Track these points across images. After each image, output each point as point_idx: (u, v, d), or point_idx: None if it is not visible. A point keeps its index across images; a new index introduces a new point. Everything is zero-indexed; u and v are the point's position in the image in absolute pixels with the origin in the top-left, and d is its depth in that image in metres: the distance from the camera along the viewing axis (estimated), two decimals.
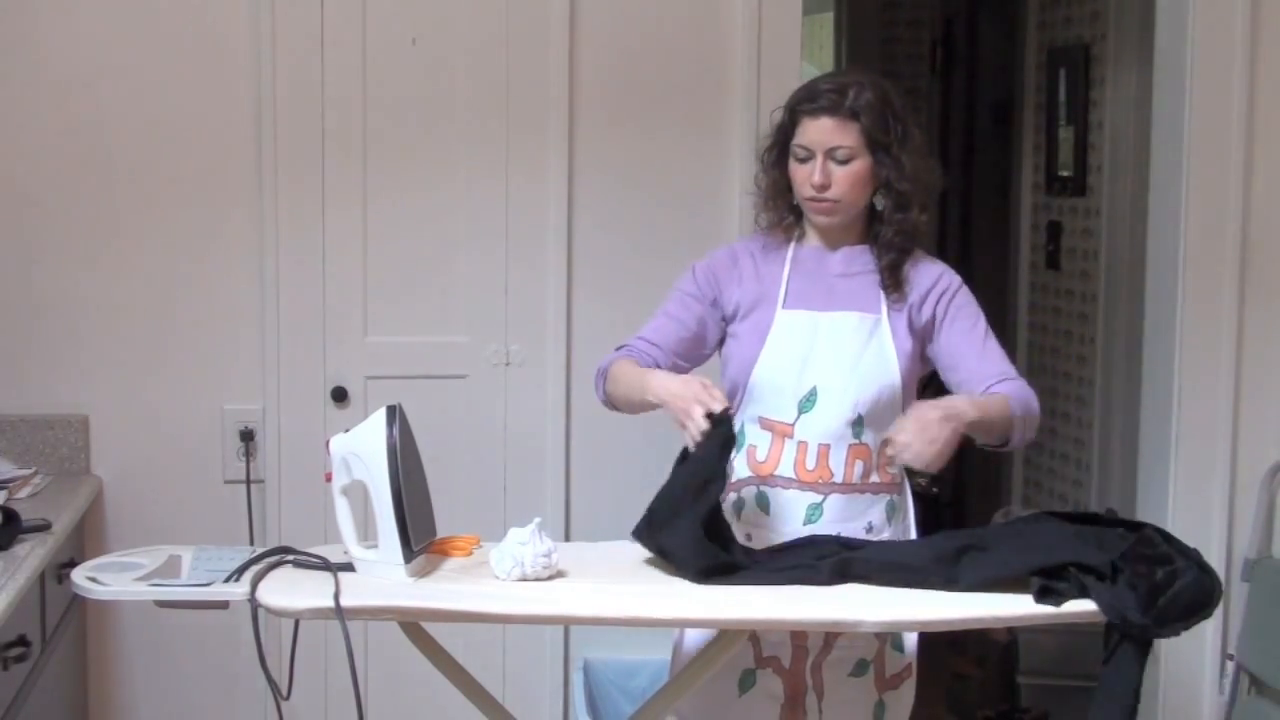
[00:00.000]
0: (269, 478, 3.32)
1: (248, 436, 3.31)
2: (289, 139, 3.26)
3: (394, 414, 2.39)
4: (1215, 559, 3.38)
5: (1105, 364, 4.56)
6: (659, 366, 2.66)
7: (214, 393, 3.31)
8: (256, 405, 3.32)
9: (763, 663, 2.65)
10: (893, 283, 2.66)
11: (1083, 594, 2.26)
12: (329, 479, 2.44)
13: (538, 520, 2.41)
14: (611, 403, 2.69)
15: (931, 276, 2.68)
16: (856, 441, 2.62)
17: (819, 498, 2.61)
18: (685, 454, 2.49)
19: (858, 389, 2.60)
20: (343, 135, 3.29)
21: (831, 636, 2.62)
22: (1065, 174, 4.80)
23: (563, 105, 3.34)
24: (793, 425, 2.62)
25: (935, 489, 5.66)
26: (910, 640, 2.70)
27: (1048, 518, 2.53)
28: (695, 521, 2.40)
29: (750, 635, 2.64)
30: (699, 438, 2.43)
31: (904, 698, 2.73)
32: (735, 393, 2.66)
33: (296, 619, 2.33)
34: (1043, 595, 2.26)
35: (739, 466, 2.66)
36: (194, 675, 3.35)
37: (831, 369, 2.61)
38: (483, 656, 3.19)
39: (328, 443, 2.45)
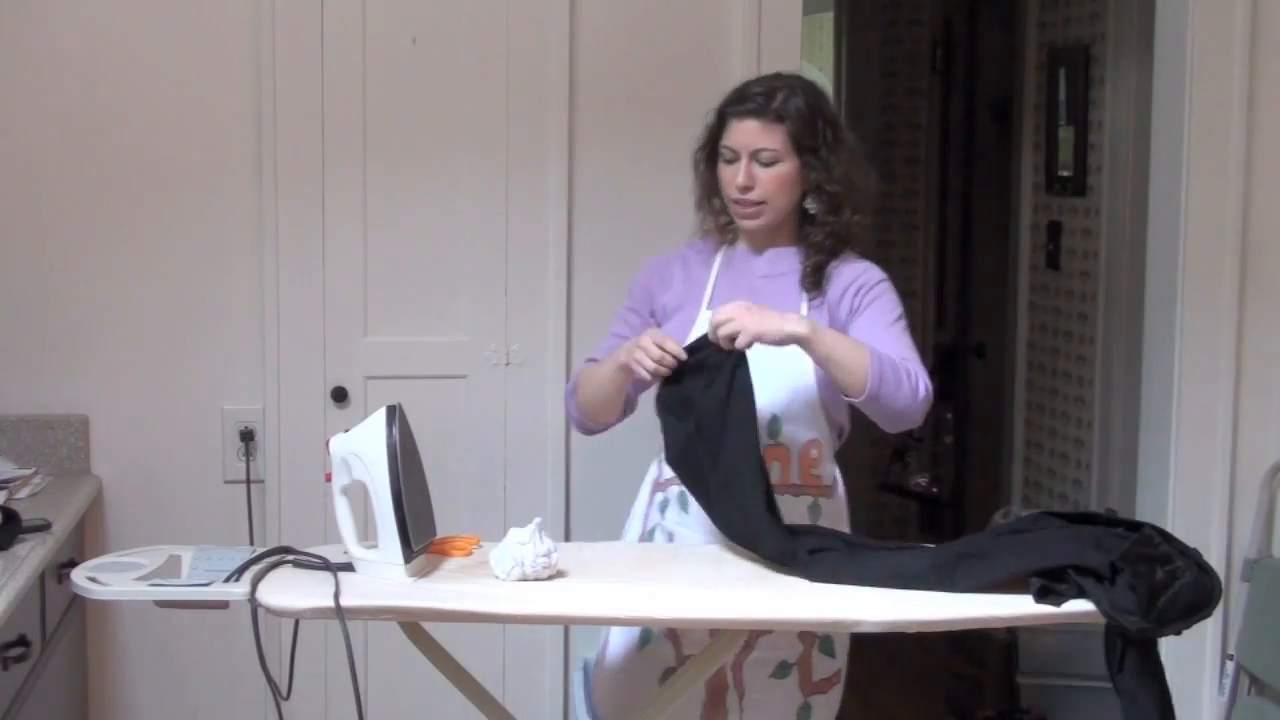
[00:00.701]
0: (269, 478, 3.32)
1: (248, 436, 3.31)
2: (289, 139, 3.26)
3: (394, 414, 2.39)
4: (1215, 559, 3.38)
5: (1105, 364, 4.56)
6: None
7: (214, 393, 3.31)
8: (256, 405, 3.32)
9: (683, 662, 2.66)
10: (813, 282, 2.67)
11: (1081, 596, 2.26)
12: (329, 479, 2.45)
13: (538, 520, 2.41)
14: (584, 413, 2.73)
15: (853, 274, 2.68)
16: (773, 442, 2.62)
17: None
18: (662, 391, 2.52)
19: (772, 389, 2.60)
20: (343, 135, 3.29)
21: (753, 636, 2.62)
22: (1065, 174, 4.80)
23: (562, 105, 3.34)
24: None
25: (935, 489, 5.67)
26: (841, 645, 2.70)
27: (1047, 518, 2.52)
28: (751, 440, 2.43)
29: (670, 635, 2.66)
30: (649, 363, 2.46)
31: (831, 703, 2.73)
32: None
33: (296, 619, 2.33)
34: (1042, 595, 2.26)
35: (663, 468, 2.70)
36: (194, 675, 3.35)
37: None
38: (483, 656, 3.19)
39: (328, 443, 2.45)
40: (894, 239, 6.14)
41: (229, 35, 3.25)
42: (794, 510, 2.64)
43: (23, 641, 2.54)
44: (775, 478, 2.60)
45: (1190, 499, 3.52)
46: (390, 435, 2.36)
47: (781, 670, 2.65)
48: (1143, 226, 3.79)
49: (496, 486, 3.40)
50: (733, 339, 2.41)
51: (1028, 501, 5.11)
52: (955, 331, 5.85)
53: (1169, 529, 2.53)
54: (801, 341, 2.44)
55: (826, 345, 2.46)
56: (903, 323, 2.65)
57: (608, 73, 3.36)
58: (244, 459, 3.32)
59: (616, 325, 2.79)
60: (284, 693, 2.42)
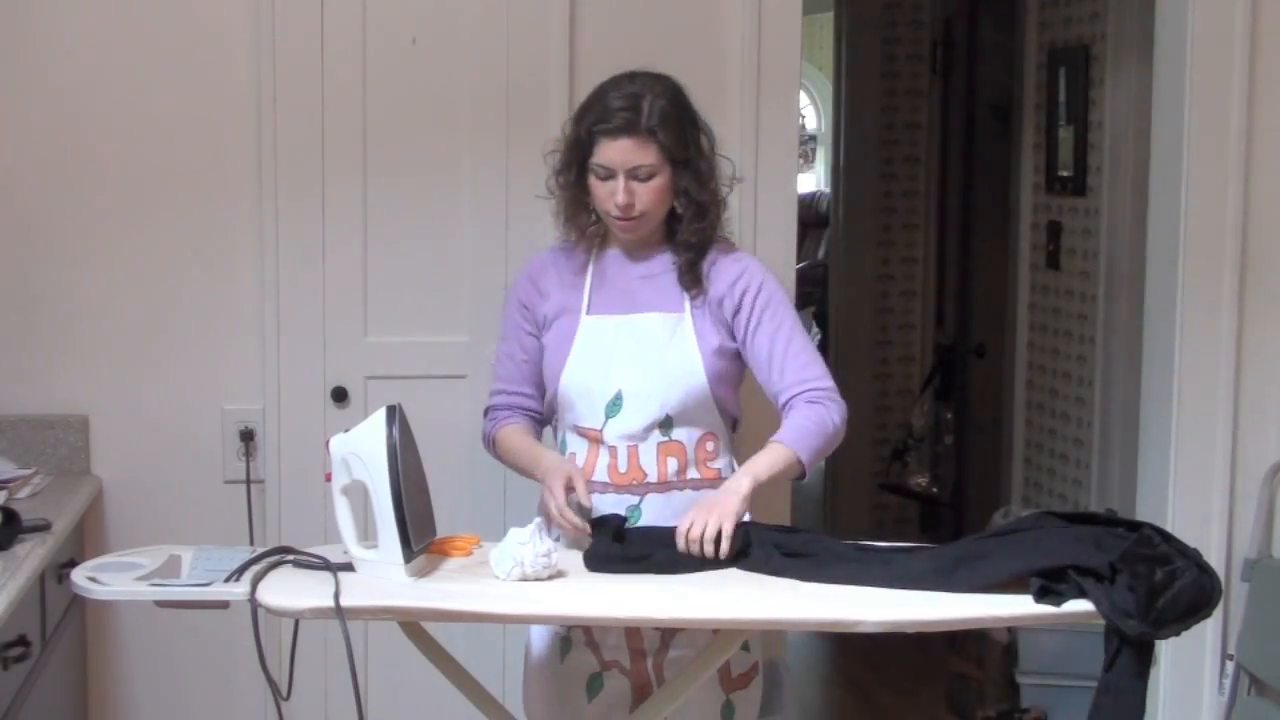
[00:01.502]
0: (269, 478, 3.32)
1: (248, 436, 3.31)
2: (289, 139, 3.26)
3: (394, 414, 2.39)
4: (1215, 559, 3.38)
5: (1105, 364, 4.56)
6: (536, 411, 2.79)
7: (214, 393, 3.31)
8: (256, 405, 3.32)
9: (606, 666, 2.68)
10: (692, 280, 2.67)
11: (1081, 596, 2.26)
12: (329, 479, 2.45)
13: (538, 520, 2.42)
14: (501, 461, 2.81)
15: (733, 274, 2.68)
16: (666, 439, 2.63)
17: (635, 499, 2.63)
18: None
19: (663, 390, 2.62)
20: (343, 135, 3.29)
21: (668, 636, 2.64)
22: (1065, 174, 4.80)
23: (563, 105, 3.33)
24: (601, 430, 2.64)
25: (935, 489, 5.68)
26: (754, 639, 2.71)
27: (1047, 518, 2.53)
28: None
29: (589, 641, 2.67)
30: (555, 512, 2.53)
31: (752, 697, 2.74)
32: (554, 402, 2.73)
33: (296, 619, 2.33)
34: (1042, 595, 2.26)
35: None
36: (194, 675, 3.35)
37: (635, 371, 2.63)
38: (483, 656, 3.19)
39: (328, 443, 2.45)
40: (894, 239, 6.15)
41: (229, 36, 3.25)
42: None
43: (23, 641, 2.54)
44: (672, 475, 2.63)
45: (1190, 499, 3.52)
46: (390, 435, 2.37)
47: None
48: (1143, 226, 3.79)
49: (496, 486, 3.40)
50: (716, 540, 2.44)
51: (1028, 501, 5.11)
52: (955, 331, 5.85)
53: (1169, 529, 2.54)
54: (752, 494, 2.52)
55: (765, 477, 2.55)
56: (799, 328, 2.69)
57: (607, 72, 3.34)
58: (244, 459, 3.32)
59: (508, 345, 2.80)
60: (284, 693, 2.43)
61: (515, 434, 2.76)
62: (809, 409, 2.61)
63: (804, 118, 12.10)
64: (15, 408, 3.23)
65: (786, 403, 2.63)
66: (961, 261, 5.86)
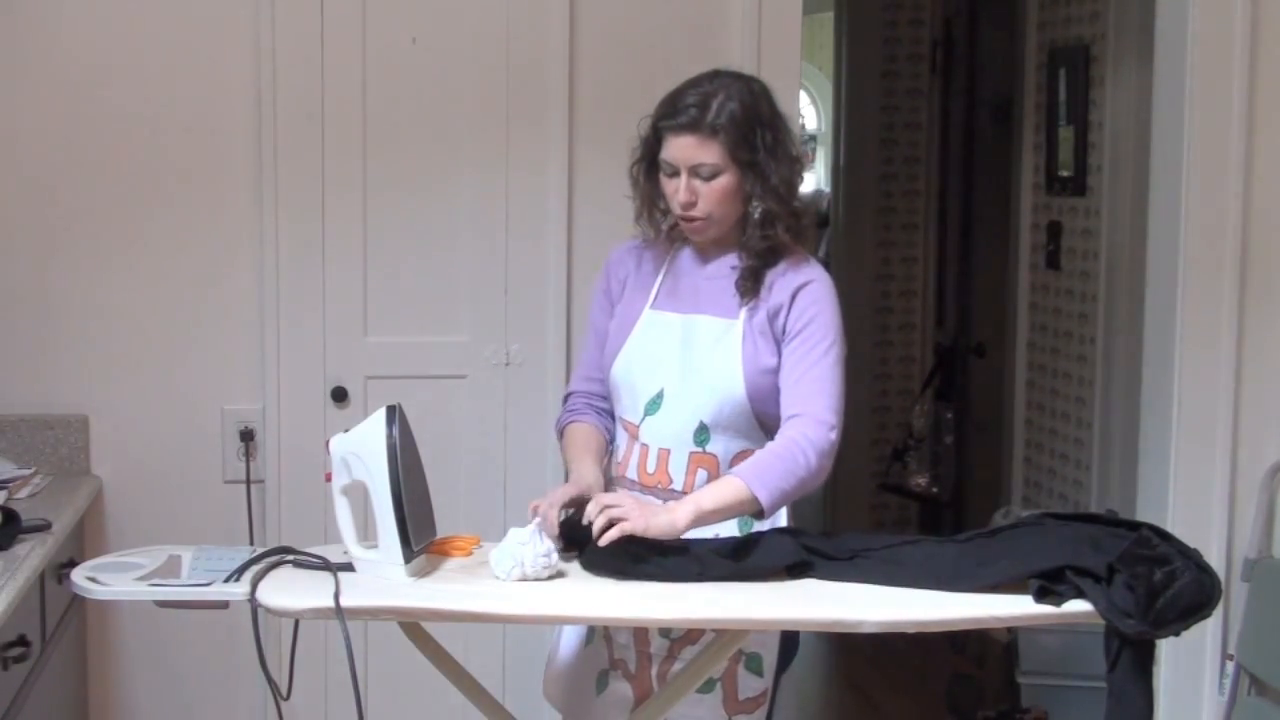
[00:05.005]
0: (269, 478, 3.32)
1: (248, 436, 3.31)
2: (289, 139, 3.26)
3: (394, 414, 2.39)
4: (1215, 559, 3.38)
5: (1105, 364, 4.56)
6: (608, 401, 2.72)
7: (214, 393, 3.31)
8: (256, 405, 3.32)
9: (614, 664, 2.65)
10: (749, 286, 2.59)
11: (1081, 597, 2.26)
12: (329, 479, 2.45)
13: (538, 520, 2.41)
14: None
15: (792, 286, 2.58)
16: (700, 450, 2.56)
17: (659, 502, 2.56)
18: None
19: (701, 397, 2.55)
20: (343, 135, 3.29)
21: (676, 646, 2.60)
22: (1065, 174, 4.81)
23: (563, 104, 3.34)
24: (638, 426, 2.61)
25: (935, 489, 5.68)
26: (769, 665, 2.63)
27: (1047, 518, 2.52)
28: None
29: (605, 636, 2.64)
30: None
31: None
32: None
33: (296, 619, 2.33)
34: (1042, 595, 2.26)
35: (610, 465, 2.70)
36: (194, 675, 3.35)
37: (679, 373, 2.58)
38: (483, 656, 3.19)
39: (328, 443, 2.45)
40: (894, 239, 6.15)
41: (229, 36, 3.25)
42: (724, 523, 2.56)
43: (23, 641, 2.54)
44: (699, 486, 2.55)
45: (1190, 499, 3.52)
46: (390, 435, 2.36)
47: (706, 685, 2.58)
48: (1143, 226, 3.79)
49: (496, 486, 3.40)
50: (610, 525, 2.36)
51: (1028, 501, 5.11)
52: (955, 331, 5.85)
53: (1169, 529, 2.53)
54: (691, 527, 2.41)
55: (715, 512, 2.43)
56: (830, 357, 2.54)
57: (608, 72, 3.36)
58: (244, 459, 3.32)
59: (591, 331, 2.77)
60: (284, 693, 2.43)
61: (576, 434, 2.71)
62: (782, 443, 2.49)
63: (804, 118, 12.08)
64: (15, 408, 3.23)
65: (781, 427, 2.53)
66: (961, 261, 5.86)
